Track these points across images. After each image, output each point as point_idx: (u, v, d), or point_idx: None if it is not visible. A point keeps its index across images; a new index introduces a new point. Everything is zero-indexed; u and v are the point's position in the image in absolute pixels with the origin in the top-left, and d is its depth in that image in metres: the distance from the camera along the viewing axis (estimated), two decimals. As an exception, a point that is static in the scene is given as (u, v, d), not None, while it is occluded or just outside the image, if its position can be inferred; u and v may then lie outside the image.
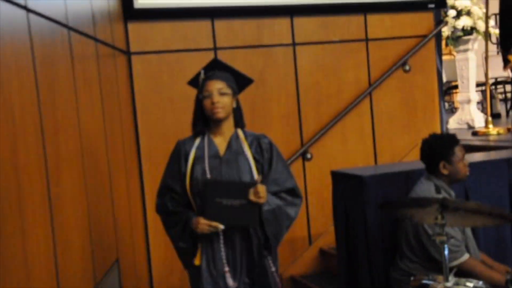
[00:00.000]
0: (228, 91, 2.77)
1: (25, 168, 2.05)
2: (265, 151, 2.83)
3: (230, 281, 2.75)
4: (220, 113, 2.74)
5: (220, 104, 2.72)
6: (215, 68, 2.84)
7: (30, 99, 2.18)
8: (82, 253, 2.76)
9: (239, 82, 2.88)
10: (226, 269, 2.74)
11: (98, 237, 3.08)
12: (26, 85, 2.16)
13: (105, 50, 3.83)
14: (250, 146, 2.83)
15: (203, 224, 2.65)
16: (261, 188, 2.66)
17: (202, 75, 2.82)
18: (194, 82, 2.86)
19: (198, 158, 2.78)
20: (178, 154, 2.83)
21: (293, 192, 2.85)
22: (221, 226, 2.65)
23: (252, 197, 2.64)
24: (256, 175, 2.76)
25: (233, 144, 2.82)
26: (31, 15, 2.24)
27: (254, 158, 2.80)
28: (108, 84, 3.82)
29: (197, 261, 2.77)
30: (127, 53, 4.81)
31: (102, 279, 3.04)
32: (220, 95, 2.74)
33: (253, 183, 2.69)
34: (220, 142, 2.83)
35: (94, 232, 3.00)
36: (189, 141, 2.84)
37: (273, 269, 2.85)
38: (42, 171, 2.24)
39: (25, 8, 2.17)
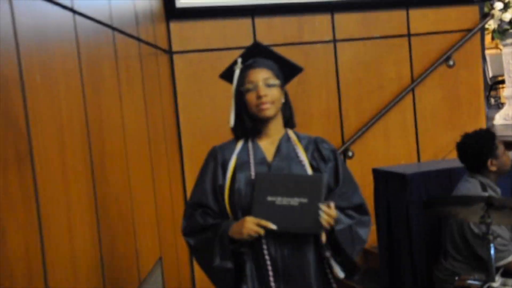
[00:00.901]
0: (276, 82, 2.20)
1: (72, 167, 2.10)
2: (327, 159, 2.25)
3: None
4: (269, 110, 2.17)
5: (268, 98, 2.15)
6: (256, 55, 2.27)
7: (76, 99, 2.23)
8: (126, 252, 2.79)
9: (285, 71, 2.30)
10: None
11: (142, 236, 3.11)
12: (73, 85, 2.20)
13: (148, 50, 3.87)
14: (305, 150, 2.24)
15: (249, 222, 2.04)
16: (332, 210, 2.06)
17: (238, 64, 2.26)
18: (228, 74, 2.31)
19: (241, 166, 2.20)
20: (214, 163, 2.25)
21: (362, 208, 2.26)
22: (273, 226, 2.03)
23: (323, 220, 2.02)
24: None
25: (283, 148, 2.24)
26: (77, 17, 2.28)
27: (311, 165, 2.21)
28: (151, 83, 3.86)
29: None
30: (169, 52, 4.88)
31: (146, 278, 3.08)
32: (267, 86, 2.16)
33: (319, 177, 2.13)
34: (267, 146, 2.25)
35: (138, 230, 3.03)
36: (228, 147, 2.28)
37: None
38: (88, 170, 2.28)
39: (71, 10, 2.21)
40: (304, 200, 2.03)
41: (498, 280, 2.81)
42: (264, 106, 2.16)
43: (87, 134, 2.30)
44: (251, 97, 2.18)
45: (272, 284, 2.13)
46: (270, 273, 2.13)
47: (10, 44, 1.66)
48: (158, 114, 4.06)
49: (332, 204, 2.06)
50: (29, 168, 1.70)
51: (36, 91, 1.80)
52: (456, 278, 3.15)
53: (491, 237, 2.79)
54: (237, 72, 2.25)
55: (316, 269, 2.18)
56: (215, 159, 2.26)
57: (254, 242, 2.11)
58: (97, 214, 2.34)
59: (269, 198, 2.06)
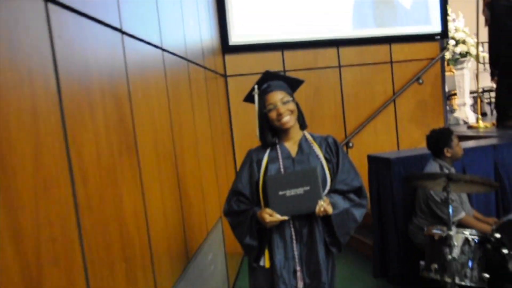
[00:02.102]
0: (289, 98, 2.04)
1: (162, 154, 2.15)
2: (334, 152, 2.10)
3: (300, 281, 2.01)
4: (289, 122, 2.03)
5: (286, 112, 2.01)
6: (268, 80, 2.10)
7: (164, 108, 2.27)
8: (198, 211, 2.80)
9: (292, 85, 2.15)
10: (298, 268, 2.00)
11: (208, 201, 3.13)
12: (162, 100, 2.25)
13: (210, 75, 3.89)
14: (320, 146, 2.10)
15: (267, 216, 1.92)
16: (326, 205, 1.94)
17: (256, 90, 2.10)
18: (249, 97, 2.16)
19: (272, 160, 2.06)
20: (250, 161, 2.10)
21: (360, 191, 2.10)
22: (285, 218, 1.93)
23: (320, 210, 1.92)
24: (328, 173, 2.05)
25: (303, 146, 2.09)
26: (165, 53, 2.33)
27: (325, 158, 2.07)
28: (213, 97, 3.89)
29: (266, 264, 2.04)
30: (225, 76, 4.92)
31: (211, 230, 3.12)
32: (283, 104, 2.01)
33: (313, 168, 1.98)
34: (291, 146, 2.10)
35: (206, 198, 3.06)
36: (261, 150, 2.11)
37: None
38: (172, 156, 2.33)
39: (161, 48, 2.26)
40: (307, 188, 1.92)
41: (453, 230, 2.81)
42: (284, 120, 2.01)
43: (171, 132, 2.34)
44: (273, 115, 2.02)
45: (295, 249, 2.00)
46: (294, 241, 2.00)
47: (122, 73, 1.73)
48: (218, 119, 4.09)
49: (327, 201, 1.95)
50: (135, 155, 1.76)
51: (139, 104, 1.86)
52: (425, 228, 3.15)
53: (450, 201, 2.78)
54: (256, 97, 2.09)
55: (322, 241, 2.02)
56: (251, 158, 2.10)
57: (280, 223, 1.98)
58: (179, 186, 2.38)
59: (280, 193, 1.93)
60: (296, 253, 2.00)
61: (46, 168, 1.13)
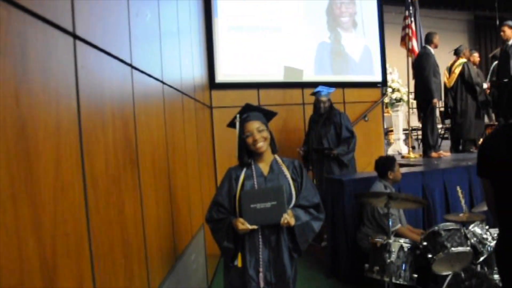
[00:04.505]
0: (264, 127, 2.06)
1: (158, 168, 2.12)
2: (299, 173, 2.11)
3: (261, 280, 1.97)
4: (263, 147, 2.04)
5: (261, 139, 2.03)
6: (248, 111, 2.11)
7: (161, 131, 2.25)
8: (185, 217, 2.74)
9: (268, 116, 2.16)
10: (261, 269, 1.97)
11: (193, 209, 3.06)
12: (160, 123, 2.24)
13: (199, 105, 3.88)
14: (288, 168, 2.10)
15: (240, 225, 1.92)
16: (290, 218, 1.95)
17: (237, 118, 2.11)
18: (232, 124, 2.15)
19: (248, 178, 2.05)
20: (230, 177, 2.08)
21: (319, 207, 2.09)
22: (254, 227, 1.94)
23: (284, 222, 1.92)
24: (294, 191, 2.06)
25: (274, 167, 2.08)
26: (165, 86, 2.33)
27: (292, 178, 2.07)
28: (200, 124, 3.87)
29: (239, 263, 2.02)
30: (210, 107, 4.90)
31: (195, 234, 3.06)
32: (258, 132, 2.03)
33: (280, 186, 1.98)
34: (264, 166, 2.09)
35: (192, 206, 2.99)
36: (239, 168, 2.10)
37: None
38: (166, 170, 2.30)
39: (162, 82, 2.26)
40: (274, 203, 1.92)
41: (392, 238, 2.84)
42: (258, 145, 2.03)
43: (166, 151, 2.32)
44: (250, 141, 2.04)
45: (261, 253, 1.98)
46: (262, 246, 1.99)
47: (130, 99, 1.72)
48: (204, 142, 4.07)
49: (290, 214, 1.96)
50: (136, 168, 1.73)
51: (142, 125, 1.84)
52: (369, 238, 3.18)
53: (390, 215, 2.83)
54: (237, 124, 2.10)
55: (287, 247, 2.02)
56: (230, 175, 2.09)
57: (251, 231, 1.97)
58: (170, 196, 2.35)
59: (252, 206, 1.93)
60: (261, 256, 1.98)
61: (64, 174, 1.11)
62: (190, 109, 3.29)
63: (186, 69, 3.22)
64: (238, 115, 2.12)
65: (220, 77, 5.02)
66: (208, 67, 4.91)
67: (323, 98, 4.36)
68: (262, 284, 1.96)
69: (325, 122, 4.38)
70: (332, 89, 4.47)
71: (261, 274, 1.97)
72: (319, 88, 4.44)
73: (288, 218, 1.93)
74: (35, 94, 0.98)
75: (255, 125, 2.05)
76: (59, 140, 1.10)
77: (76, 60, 1.21)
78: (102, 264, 1.32)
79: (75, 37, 1.21)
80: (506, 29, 5.39)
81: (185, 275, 2.58)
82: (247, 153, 2.09)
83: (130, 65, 1.71)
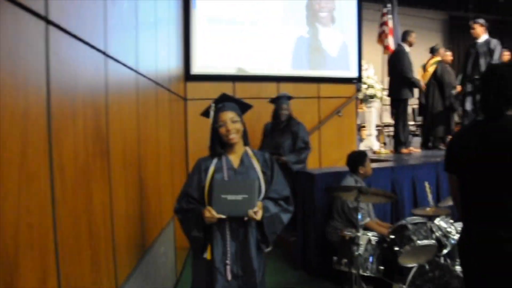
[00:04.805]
0: (238, 118, 2.04)
1: (129, 159, 2.09)
2: (270, 166, 2.10)
3: (228, 273, 1.96)
4: (235, 139, 2.02)
5: (234, 130, 2.01)
6: (224, 101, 2.09)
7: (134, 122, 2.22)
8: (155, 209, 2.72)
9: (243, 109, 2.13)
10: (228, 262, 1.96)
11: (163, 202, 3.03)
12: (133, 114, 2.21)
13: (174, 97, 3.84)
14: (258, 161, 2.08)
15: (207, 214, 1.91)
16: (258, 210, 1.94)
17: (213, 108, 2.07)
18: (206, 113, 2.11)
19: (218, 170, 2.03)
20: (199, 169, 2.06)
21: (288, 199, 2.08)
22: (222, 216, 1.91)
23: (251, 214, 1.91)
24: (263, 183, 2.04)
25: (244, 160, 2.07)
26: (139, 76, 2.29)
27: (262, 171, 2.06)
28: (175, 116, 3.84)
29: (208, 256, 1.99)
30: (185, 99, 4.85)
31: (164, 226, 3.05)
32: (232, 123, 2.01)
33: (253, 180, 1.98)
34: (234, 159, 2.07)
35: (162, 199, 2.98)
36: (209, 159, 2.07)
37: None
38: (137, 161, 2.26)
39: (136, 71, 2.23)
40: (245, 196, 1.92)
41: (360, 232, 2.91)
42: (231, 137, 2.01)
43: (138, 142, 2.29)
44: (223, 131, 2.02)
45: (229, 246, 1.97)
46: (229, 240, 1.98)
47: (102, 88, 1.69)
48: (176, 134, 4.03)
49: (260, 205, 1.96)
50: (106, 158, 1.71)
51: (113, 116, 1.81)
52: (339, 231, 3.24)
53: (360, 208, 2.89)
54: (211, 113, 2.07)
55: (255, 240, 2.02)
56: (200, 166, 2.06)
57: (220, 222, 1.96)
58: (140, 187, 2.33)
59: (223, 196, 1.92)
60: (229, 249, 1.97)
61: (30, 163, 1.08)
62: (164, 101, 3.25)
63: (162, 60, 3.18)
64: (213, 104, 2.09)
65: (195, 69, 4.96)
66: (184, 59, 4.85)
67: (285, 106, 4.23)
68: (229, 277, 1.96)
69: (284, 130, 4.26)
70: (291, 97, 4.37)
71: (228, 267, 1.96)
72: (282, 94, 4.34)
73: (256, 210, 1.92)
74: (1, 79, 0.95)
75: (229, 115, 2.02)
76: (26, 127, 1.07)
77: (48, 46, 1.18)
78: (68, 256, 1.31)
79: (48, 21, 1.18)
80: (476, 26, 5.48)
81: (153, 267, 2.57)
82: (220, 144, 2.06)
83: (104, 53, 1.68)
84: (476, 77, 5.27)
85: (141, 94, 2.36)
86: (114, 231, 1.79)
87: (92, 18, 1.57)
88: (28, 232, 1.06)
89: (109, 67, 1.73)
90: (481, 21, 5.51)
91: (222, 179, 2.00)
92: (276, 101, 4.28)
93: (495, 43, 5.30)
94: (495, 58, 5.24)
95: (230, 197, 1.92)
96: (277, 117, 4.27)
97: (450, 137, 5.65)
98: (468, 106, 5.44)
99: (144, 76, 2.43)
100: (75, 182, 1.38)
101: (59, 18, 1.24)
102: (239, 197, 1.92)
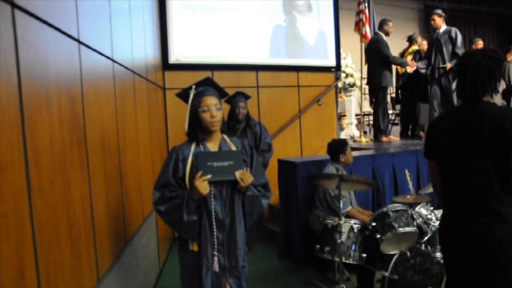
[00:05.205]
0: (220, 106, 1.96)
1: (108, 148, 2.06)
2: (249, 153, 2.06)
3: (216, 264, 1.92)
4: (217, 126, 1.95)
5: (217, 118, 1.93)
6: (207, 85, 2.01)
7: (112, 110, 2.20)
8: (136, 199, 2.70)
9: (221, 96, 2.04)
10: (215, 252, 1.92)
11: (144, 192, 3.00)
12: (110, 103, 2.19)
13: (152, 86, 3.81)
14: (236, 147, 2.02)
15: (197, 180, 1.82)
16: (248, 175, 1.90)
17: (193, 89, 1.97)
18: (183, 95, 2.01)
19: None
20: (176, 159, 1.94)
21: (266, 186, 2.05)
22: (209, 176, 1.84)
23: (239, 179, 1.88)
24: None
25: (223, 147, 2.01)
26: (115, 64, 2.26)
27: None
28: (153, 105, 3.81)
29: (195, 248, 1.93)
30: (163, 88, 4.80)
31: (146, 216, 3.03)
32: (216, 110, 1.93)
33: (237, 152, 1.96)
34: (213, 146, 1.99)
35: (143, 188, 2.95)
36: (186, 147, 1.97)
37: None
38: (116, 150, 2.26)
39: (112, 60, 2.20)
40: (232, 162, 1.88)
41: (342, 220, 2.95)
42: (215, 123, 1.93)
43: (116, 131, 2.27)
44: (206, 116, 1.92)
45: (215, 236, 1.92)
46: (216, 230, 1.91)
47: (77, 76, 1.66)
48: (156, 122, 4.00)
49: (250, 175, 1.92)
50: (84, 147, 1.69)
51: (90, 104, 1.79)
52: (321, 219, 3.28)
53: (341, 196, 2.93)
54: (191, 95, 1.96)
55: (241, 229, 1.98)
56: (176, 156, 1.94)
57: (207, 205, 1.90)
58: (120, 177, 2.31)
59: (209, 163, 1.86)
60: (215, 240, 1.92)
61: (2, 151, 1.06)
62: (142, 89, 3.22)
63: (138, 48, 3.13)
64: (194, 86, 1.98)
65: (173, 58, 4.90)
66: (162, 48, 4.79)
67: (242, 104, 4.01)
68: (217, 268, 1.92)
69: (244, 130, 4.05)
70: (249, 96, 4.18)
71: (215, 258, 1.93)
72: (240, 92, 4.14)
73: (246, 173, 1.89)
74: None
75: (214, 101, 1.94)
76: (-3, 115, 1.04)
77: (16, 31, 1.14)
78: (47, 247, 1.29)
79: (14, 5, 1.14)
80: (435, 17, 5.57)
81: (135, 258, 2.56)
82: (200, 129, 1.96)
83: (77, 40, 1.64)
84: (441, 65, 5.40)
85: (118, 83, 2.33)
86: (94, 221, 1.77)
87: (62, 4, 1.54)
88: (3, 223, 1.04)
89: (83, 55, 1.70)
90: (439, 11, 5.63)
91: (206, 151, 1.95)
92: (233, 100, 4.04)
93: (454, 31, 5.44)
94: (458, 45, 5.37)
95: (216, 164, 1.87)
96: (233, 117, 4.01)
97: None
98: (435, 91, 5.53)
99: (120, 64, 2.40)
100: (52, 171, 1.36)
101: (25, 1, 1.21)
102: (225, 163, 1.89)
